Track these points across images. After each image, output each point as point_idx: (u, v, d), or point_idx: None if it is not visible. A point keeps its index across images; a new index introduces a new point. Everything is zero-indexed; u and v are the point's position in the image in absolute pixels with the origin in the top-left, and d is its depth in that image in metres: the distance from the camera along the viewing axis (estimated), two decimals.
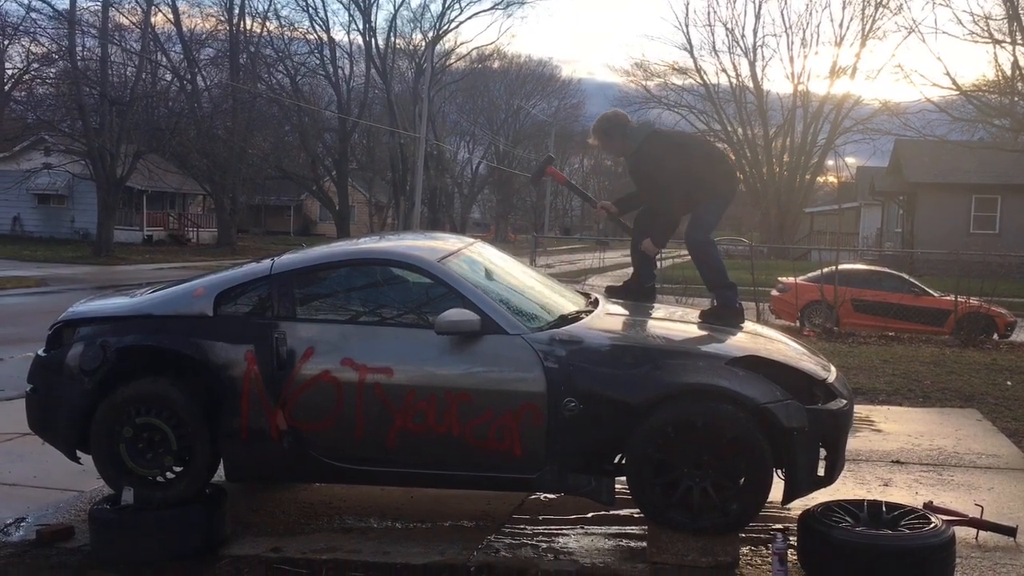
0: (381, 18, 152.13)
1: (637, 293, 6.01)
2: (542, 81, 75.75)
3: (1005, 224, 33.05)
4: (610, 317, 5.31)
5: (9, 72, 38.19)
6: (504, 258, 5.89)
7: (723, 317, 5.50)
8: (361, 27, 50.99)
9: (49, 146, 37.50)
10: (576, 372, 4.65)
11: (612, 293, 6.09)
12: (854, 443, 6.28)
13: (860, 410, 7.54)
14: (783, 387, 4.66)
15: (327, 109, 49.88)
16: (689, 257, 6.07)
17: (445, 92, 60.44)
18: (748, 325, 5.65)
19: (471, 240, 5.94)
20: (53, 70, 34.71)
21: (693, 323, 5.49)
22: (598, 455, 4.71)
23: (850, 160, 60.24)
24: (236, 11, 43.00)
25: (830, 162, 62.27)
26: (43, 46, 32.86)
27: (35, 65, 34.83)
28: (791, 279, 17.15)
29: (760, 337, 5.38)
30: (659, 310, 5.88)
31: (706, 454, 4.56)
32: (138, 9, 36.53)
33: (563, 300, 5.49)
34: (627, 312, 5.60)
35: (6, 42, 36.16)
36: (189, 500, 4.88)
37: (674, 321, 5.51)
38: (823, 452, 4.75)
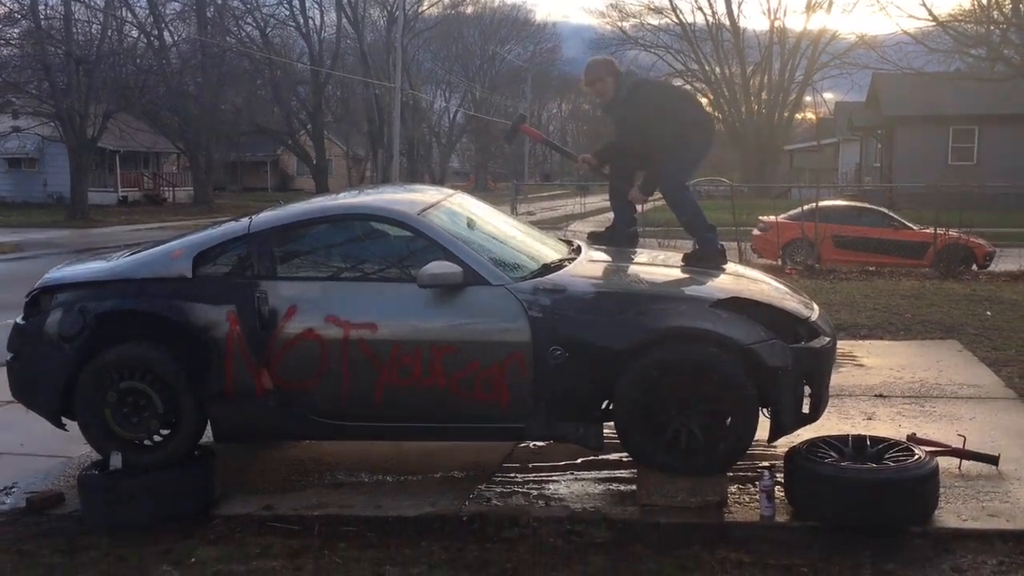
0: None
1: (619, 239, 6.01)
2: (517, 25, 74.84)
3: (983, 155, 33.15)
4: (593, 264, 5.31)
5: None
6: (485, 208, 5.86)
7: (705, 260, 5.52)
8: None
9: (17, 109, 36.85)
10: (560, 320, 4.66)
11: (594, 240, 6.09)
12: (837, 379, 6.34)
13: (843, 346, 7.60)
14: (766, 327, 4.68)
15: (299, 61, 49.14)
16: None
17: (419, 40, 59.68)
18: (730, 267, 5.67)
19: (451, 191, 5.90)
20: (16, 30, 33.94)
21: (676, 267, 5.50)
22: (585, 402, 4.74)
23: (828, 96, 60.22)
24: None
25: (808, 99, 62.22)
26: (4, 6, 32.12)
27: None
28: (772, 218, 17.19)
29: (743, 278, 5.41)
30: (641, 255, 5.89)
31: (692, 396, 4.59)
32: None
33: (545, 249, 5.47)
34: (610, 258, 5.60)
35: None
36: (178, 462, 4.89)
37: (656, 265, 5.53)
38: (807, 389, 4.80)
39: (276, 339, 4.81)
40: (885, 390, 6.81)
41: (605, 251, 5.77)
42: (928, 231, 16.05)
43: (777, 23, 55.12)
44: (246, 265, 4.97)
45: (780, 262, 16.28)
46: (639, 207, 6.22)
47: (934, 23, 26.11)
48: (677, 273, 5.37)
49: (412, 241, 4.95)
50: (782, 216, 17.31)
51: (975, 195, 18.03)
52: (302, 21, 48.46)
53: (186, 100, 37.31)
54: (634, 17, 58.23)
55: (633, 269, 5.41)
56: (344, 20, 50.62)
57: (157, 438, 4.95)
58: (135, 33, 39.36)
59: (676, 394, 4.60)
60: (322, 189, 47.23)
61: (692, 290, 5.05)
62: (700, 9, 60.28)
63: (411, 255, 4.94)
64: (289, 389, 4.85)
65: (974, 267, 15.57)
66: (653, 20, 57.71)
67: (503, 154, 75.41)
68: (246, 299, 4.82)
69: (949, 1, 73.41)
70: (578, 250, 5.54)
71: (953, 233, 15.36)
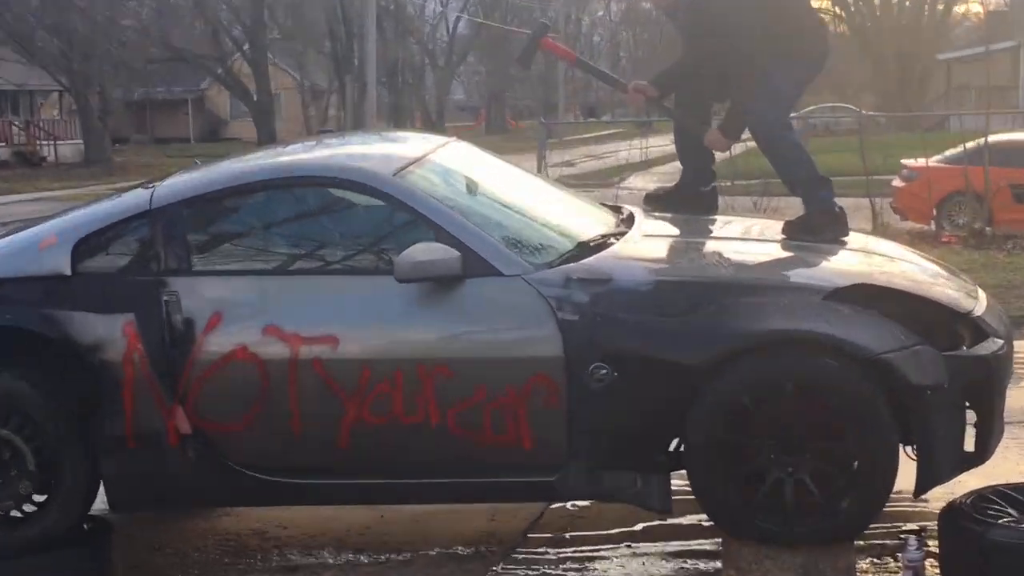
0: None
1: (690, 201, 5.98)
2: None
3: None
4: (650, 241, 5.29)
5: None
6: (494, 162, 5.87)
7: (815, 229, 5.46)
8: None
9: None
10: (605, 325, 4.64)
11: (654, 203, 6.06)
12: (1017, 398, 6.27)
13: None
14: (909, 327, 4.64)
15: None
16: None
17: None
18: (855, 237, 5.63)
19: (443, 139, 5.90)
20: None
21: (773, 241, 5.47)
22: (644, 442, 4.72)
23: None
24: None
25: None
26: None
27: None
28: (921, 161, 17.06)
29: (874, 255, 5.38)
30: (724, 225, 5.89)
31: (801, 431, 4.56)
32: None
33: (584, 220, 5.47)
34: (677, 231, 5.60)
35: None
36: (60, 540, 4.90)
37: (744, 240, 5.53)
38: (971, 416, 4.76)
39: (195, 361, 4.81)
40: None
41: (670, 220, 5.76)
42: None
43: None
44: (149, 256, 4.96)
45: (933, 226, 16.18)
46: (720, 154, 6.17)
47: None
48: (775, 250, 5.34)
49: (388, 214, 4.94)
50: (936, 159, 17.19)
51: None
52: None
53: (69, 15, 37.40)
54: None
55: (711, 247, 5.40)
56: None
57: (29, 507, 4.95)
58: None
59: (777, 428, 4.57)
60: (266, 138, 47.32)
61: (797, 276, 5.04)
62: None
63: (387, 235, 4.95)
64: (215, 433, 4.85)
65: None
66: None
67: (528, 78, 75.11)
68: (150, 304, 4.82)
69: None
70: (630, 220, 5.52)
71: None
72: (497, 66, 71.90)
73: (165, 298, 4.82)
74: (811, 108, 33.43)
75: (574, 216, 5.51)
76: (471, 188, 5.32)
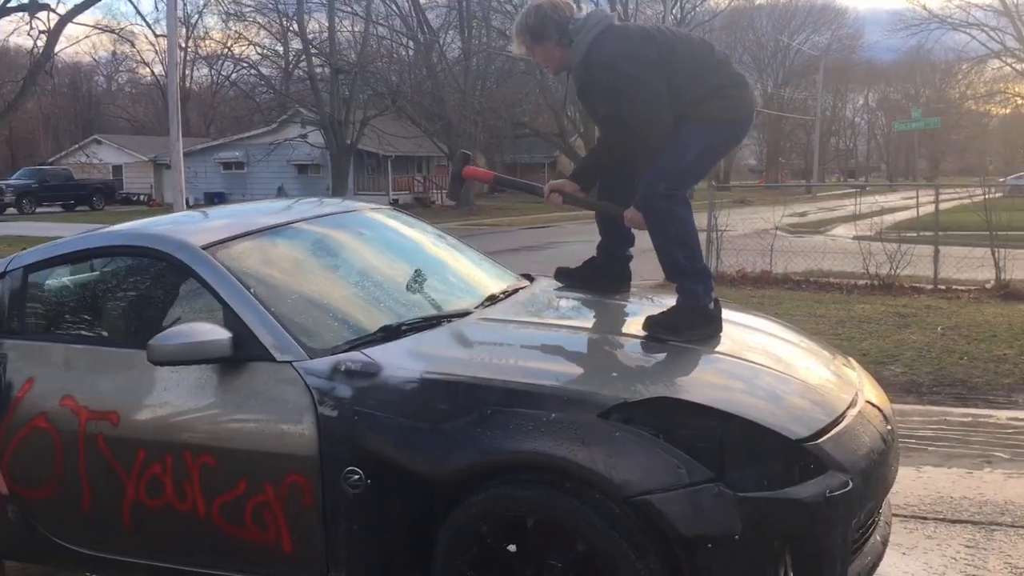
0: None
1: (595, 276, 4.00)
2: (813, 12, 69.95)
3: None
4: (472, 326, 3.39)
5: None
6: (394, 236, 4.12)
7: (678, 327, 3.33)
8: None
9: (304, 119, 39.20)
10: (362, 424, 2.87)
11: (563, 277, 4.09)
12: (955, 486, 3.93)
13: None
14: (710, 457, 2.62)
15: None
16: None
17: (701, 31, 56.97)
18: (740, 331, 3.55)
19: (354, 207, 4.20)
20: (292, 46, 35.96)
21: (614, 334, 3.47)
22: (402, 560, 2.91)
23: None
24: None
25: None
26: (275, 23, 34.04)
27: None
28: None
29: (724, 359, 3.26)
30: (593, 309, 3.85)
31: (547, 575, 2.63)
32: None
33: (432, 299, 3.65)
34: (524, 313, 3.62)
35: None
36: None
37: (576, 331, 3.41)
38: None
39: (8, 425, 3.42)
40: None
41: (538, 300, 3.85)
42: None
43: None
44: None
45: None
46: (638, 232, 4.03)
47: None
48: (604, 346, 3.36)
49: (188, 288, 3.34)
50: None
51: None
52: None
53: (444, 105, 37.61)
54: None
55: (525, 338, 3.37)
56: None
57: None
58: (405, 41, 40.42)
59: (523, 570, 2.66)
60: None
61: (584, 383, 2.94)
62: None
63: (183, 310, 3.35)
64: (26, 497, 3.45)
65: None
66: None
67: (798, 148, 70.74)
68: None
69: None
70: (491, 299, 3.68)
71: None
72: (773, 140, 68.34)
73: None
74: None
75: (431, 295, 3.68)
76: (312, 266, 3.62)
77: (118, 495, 3.23)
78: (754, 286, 12.18)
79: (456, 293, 3.76)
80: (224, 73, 47.47)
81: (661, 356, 3.18)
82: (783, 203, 23.75)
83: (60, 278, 3.68)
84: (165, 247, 3.37)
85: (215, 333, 3.03)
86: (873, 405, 3.18)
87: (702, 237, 12.85)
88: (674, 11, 49.20)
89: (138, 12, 52.27)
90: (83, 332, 3.52)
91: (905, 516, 4.24)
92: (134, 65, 62.93)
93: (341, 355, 3.02)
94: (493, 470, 2.69)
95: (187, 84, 62.70)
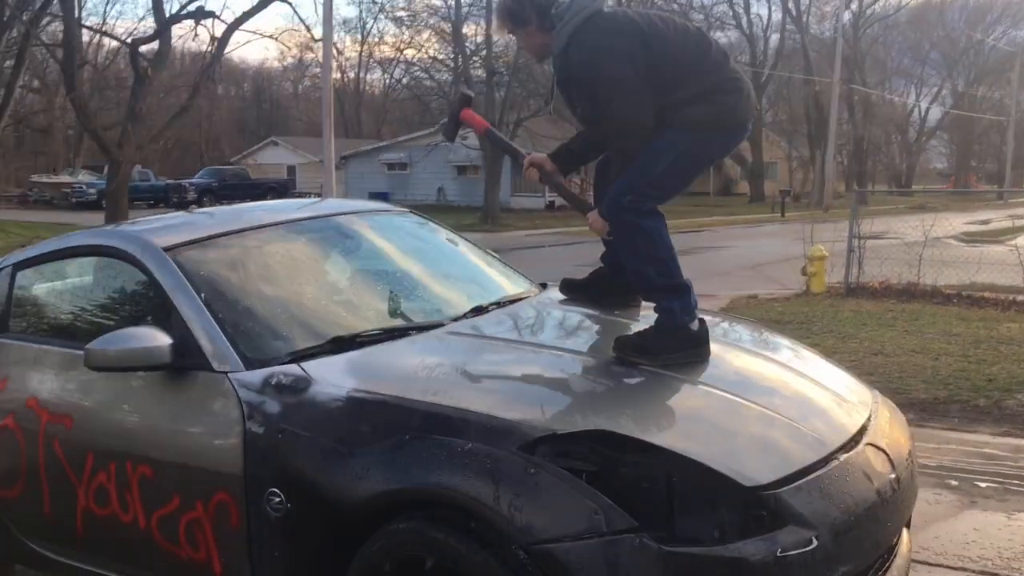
0: None
1: (599, 286, 3.64)
2: (1013, 5, 65.23)
3: None
4: (434, 341, 3.09)
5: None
6: (401, 239, 3.88)
7: (652, 349, 2.94)
8: None
9: None
10: (285, 442, 2.66)
11: (567, 288, 3.73)
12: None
13: None
14: (689, 498, 2.29)
15: (735, 60, 47.18)
16: None
17: (876, 29, 54.15)
18: (731, 351, 3.13)
19: (355, 207, 4.00)
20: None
21: (578, 353, 3.09)
22: None
23: None
24: None
25: None
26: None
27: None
28: None
29: (701, 386, 2.84)
30: (583, 324, 3.47)
31: None
32: None
33: (412, 308, 3.40)
34: (500, 326, 3.30)
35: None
36: None
37: (540, 348, 3.05)
38: None
39: None
40: None
41: (549, 311, 3.51)
42: None
43: None
44: None
45: None
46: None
47: None
48: (562, 366, 2.95)
49: (148, 291, 3.21)
50: None
51: None
52: (745, 21, 46.51)
53: None
54: None
55: (489, 356, 3.05)
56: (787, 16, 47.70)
57: None
58: None
59: None
60: (757, 193, 45.01)
61: (514, 411, 2.53)
62: None
63: (141, 313, 3.24)
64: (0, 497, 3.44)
65: None
66: None
67: (991, 152, 66.16)
68: None
69: None
70: (478, 311, 3.38)
71: None
72: (962, 143, 64.31)
73: None
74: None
75: (410, 304, 3.41)
76: (284, 271, 3.43)
77: (71, 501, 3.15)
78: (897, 299, 11.29)
79: (438, 303, 3.48)
80: (396, 77, 48.98)
81: (622, 382, 2.81)
82: (968, 210, 22.18)
83: (41, 277, 3.65)
84: (128, 247, 3.26)
85: (155, 339, 2.89)
86: (879, 449, 2.71)
87: (842, 247, 12.12)
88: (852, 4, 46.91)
89: (296, 14, 53.18)
90: (50, 332, 3.48)
91: (975, 571, 3.70)
92: (316, 70, 65.93)
93: (276, 367, 2.82)
94: (399, 503, 2.42)
95: (360, 87, 65.19)
